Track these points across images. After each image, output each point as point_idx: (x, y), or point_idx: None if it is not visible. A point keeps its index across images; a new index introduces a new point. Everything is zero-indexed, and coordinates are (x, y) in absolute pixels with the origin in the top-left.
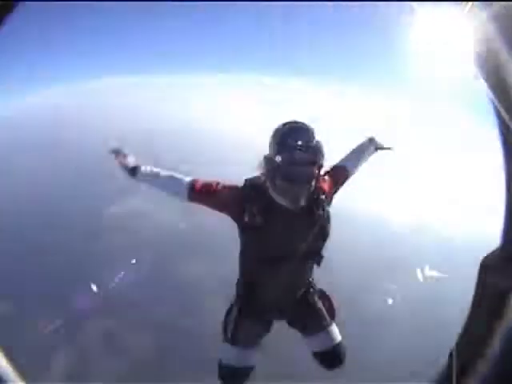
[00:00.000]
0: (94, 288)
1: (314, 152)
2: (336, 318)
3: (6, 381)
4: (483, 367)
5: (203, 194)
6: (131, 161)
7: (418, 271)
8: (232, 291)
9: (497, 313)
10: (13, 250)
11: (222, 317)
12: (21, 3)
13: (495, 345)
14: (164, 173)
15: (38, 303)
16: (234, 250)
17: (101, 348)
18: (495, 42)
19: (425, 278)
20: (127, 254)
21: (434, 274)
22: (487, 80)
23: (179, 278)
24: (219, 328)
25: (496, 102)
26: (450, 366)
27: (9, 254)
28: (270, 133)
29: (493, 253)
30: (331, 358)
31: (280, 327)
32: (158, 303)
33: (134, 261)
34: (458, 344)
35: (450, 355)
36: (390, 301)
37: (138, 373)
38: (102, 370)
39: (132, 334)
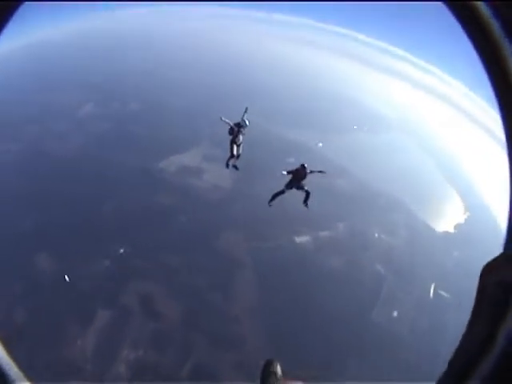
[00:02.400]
0: (67, 278)
1: None
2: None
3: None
4: (485, 368)
5: None
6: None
7: (432, 287)
8: None
9: (499, 313)
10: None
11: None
12: None
13: (498, 345)
14: None
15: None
16: None
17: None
18: None
19: (434, 295)
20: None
21: (443, 293)
22: None
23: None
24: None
25: None
26: (452, 366)
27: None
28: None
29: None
30: None
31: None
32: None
33: None
34: (460, 344)
35: (453, 356)
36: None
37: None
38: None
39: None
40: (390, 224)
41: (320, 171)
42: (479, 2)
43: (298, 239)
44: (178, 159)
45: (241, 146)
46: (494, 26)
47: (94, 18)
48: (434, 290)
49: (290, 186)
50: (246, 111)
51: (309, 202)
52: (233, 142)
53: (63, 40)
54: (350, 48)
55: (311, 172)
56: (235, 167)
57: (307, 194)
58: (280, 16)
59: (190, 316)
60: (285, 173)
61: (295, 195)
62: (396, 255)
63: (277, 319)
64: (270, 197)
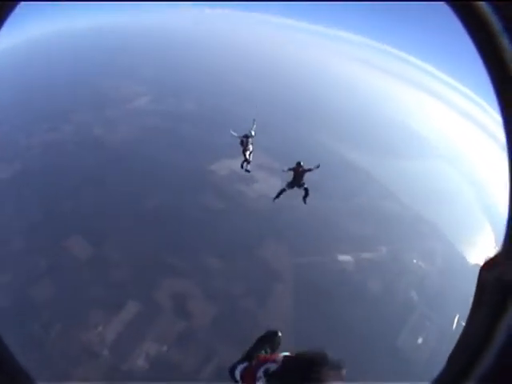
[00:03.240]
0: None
1: None
2: None
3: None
4: (485, 364)
5: None
6: None
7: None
8: None
9: (498, 310)
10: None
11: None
12: None
13: (497, 342)
14: None
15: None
16: None
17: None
18: None
19: (457, 326)
20: None
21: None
22: None
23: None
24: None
25: None
26: (451, 363)
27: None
28: None
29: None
30: None
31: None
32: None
33: None
34: (459, 341)
35: (452, 352)
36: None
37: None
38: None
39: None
40: (429, 251)
41: (317, 166)
42: (481, 2)
43: (341, 257)
44: (230, 164)
45: (252, 153)
46: (498, 26)
47: (162, 13)
48: (458, 321)
49: (291, 184)
50: (253, 123)
51: (307, 200)
52: (244, 150)
53: (129, 31)
54: (404, 71)
55: (309, 170)
56: (247, 171)
57: (306, 191)
58: (343, 33)
59: (220, 321)
60: (285, 169)
61: (343, 215)
62: (429, 283)
63: (305, 335)
64: (319, 216)
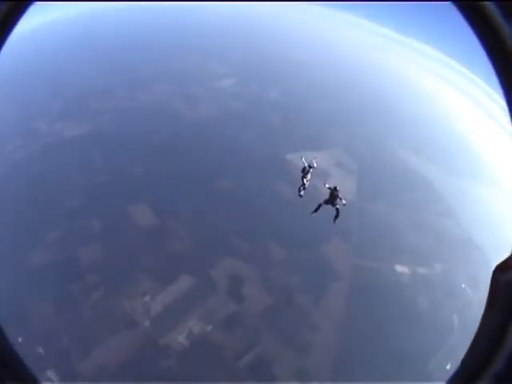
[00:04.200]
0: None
1: None
2: None
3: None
4: (498, 365)
5: None
6: None
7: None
8: None
9: (510, 313)
10: None
11: None
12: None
13: (509, 344)
14: None
15: None
16: None
17: None
18: None
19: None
20: None
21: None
22: None
23: None
24: None
25: None
26: (464, 364)
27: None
28: None
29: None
30: None
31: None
32: None
33: None
34: (473, 343)
35: (466, 354)
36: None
37: None
38: None
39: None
40: (476, 279)
41: (343, 204)
42: (488, 2)
43: (398, 268)
44: (308, 156)
45: (308, 181)
46: (504, 26)
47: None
48: None
49: (326, 201)
50: (315, 158)
51: (336, 221)
52: (303, 177)
53: (220, 12)
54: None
55: (340, 198)
56: (300, 196)
57: (337, 211)
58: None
59: (272, 310)
60: (327, 186)
61: (406, 226)
62: (471, 311)
63: (349, 339)
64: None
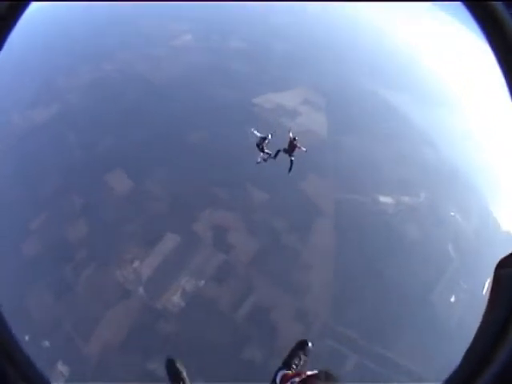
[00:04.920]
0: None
1: None
2: None
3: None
4: (500, 360)
5: None
6: None
7: (487, 283)
8: None
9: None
10: None
11: None
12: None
13: (511, 340)
14: None
15: None
16: None
17: None
18: None
19: (487, 291)
20: None
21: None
22: None
23: None
24: None
25: None
26: (466, 359)
27: None
28: None
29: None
30: None
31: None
32: None
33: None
34: (475, 339)
35: (468, 349)
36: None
37: None
38: None
39: None
40: (465, 206)
41: (304, 150)
42: (497, 2)
43: (382, 199)
44: (275, 97)
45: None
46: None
47: None
48: (488, 286)
49: (285, 150)
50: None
51: (290, 172)
52: (262, 150)
53: None
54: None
55: (299, 148)
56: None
57: (291, 163)
58: None
59: (261, 254)
60: (290, 134)
61: (384, 157)
62: (464, 240)
63: (344, 275)
64: (360, 156)
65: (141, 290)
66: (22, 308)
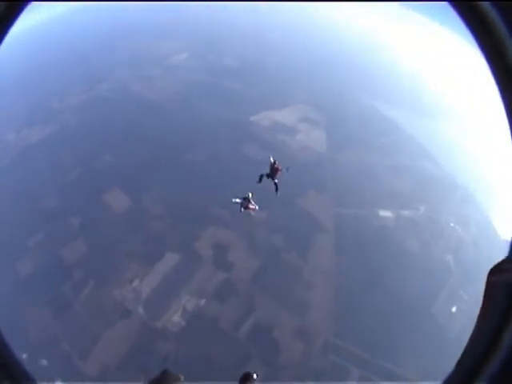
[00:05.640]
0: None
1: None
2: None
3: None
4: (493, 367)
5: None
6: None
7: None
8: None
9: (505, 313)
10: None
11: None
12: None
13: (504, 344)
14: None
15: None
16: None
17: None
18: None
19: None
20: None
21: None
22: None
23: None
24: None
25: None
26: (460, 365)
27: None
28: None
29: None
30: None
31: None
32: None
33: None
34: (469, 344)
35: (461, 355)
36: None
37: None
38: None
39: None
40: (464, 217)
41: (287, 169)
42: (484, 3)
43: (382, 213)
44: (272, 115)
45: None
46: (499, 25)
47: None
48: None
49: (267, 175)
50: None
51: (277, 193)
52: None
53: None
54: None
55: (280, 170)
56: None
57: (275, 185)
58: None
59: (262, 272)
60: (271, 160)
61: (383, 171)
62: (464, 250)
63: (345, 291)
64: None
65: (140, 309)
66: (20, 326)
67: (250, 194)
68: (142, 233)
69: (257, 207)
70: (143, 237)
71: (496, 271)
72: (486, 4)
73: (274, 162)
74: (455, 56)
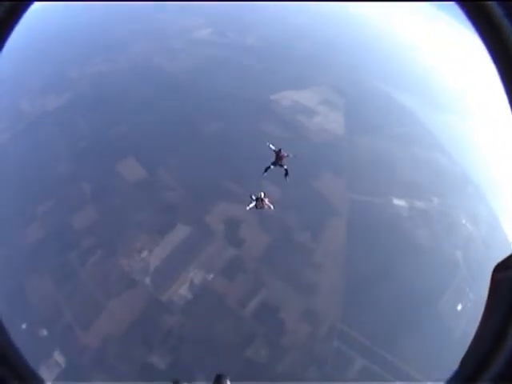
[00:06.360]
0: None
1: None
2: None
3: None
4: (497, 365)
5: None
6: None
7: None
8: None
9: (511, 312)
10: None
11: None
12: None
13: (509, 341)
14: None
15: None
16: None
17: None
18: None
19: None
20: None
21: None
22: None
23: None
24: None
25: None
26: (464, 363)
27: None
28: None
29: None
30: None
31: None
32: None
33: None
34: (473, 341)
35: (466, 353)
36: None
37: None
38: None
39: None
40: (475, 215)
41: (294, 156)
42: (491, 2)
43: (396, 201)
44: (292, 95)
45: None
46: (506, 25)
47: None
48: None
49: (274, 163)
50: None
51: (288, 178)
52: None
53: None
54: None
55: (287, 156)
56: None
57: (286, 171)
58: None
59: (272, 250)
60: (271, 147)
61: (399, 160)
62: (473, 248)
63: (354, 277)
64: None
65: (148, 280)
66: (21, 294)
67: (263, 194)
68: (153, 203)
69: (272, 207)
70: (155, 207)
71: (501, 268)
72: (493, 4)
73: (279, 150)
74: (477, 57)
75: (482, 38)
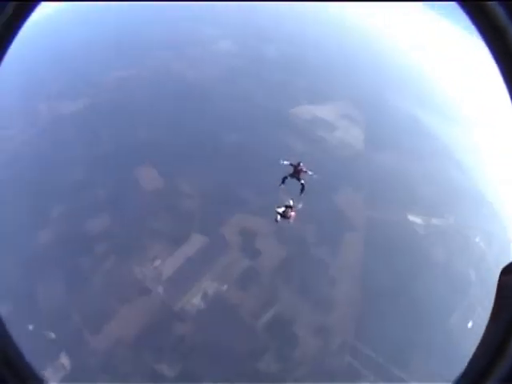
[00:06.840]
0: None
1: None
2: None
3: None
4: (505, 367)
5: None
6: None
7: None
8: None
9: None
10: None
11: None
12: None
13: None
14: None
15: None
16: None
17: None
18: None
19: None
20: None
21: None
22: None
23: None
24: None
25: None
26: (470, 366)
27: None
28: None
29: None
30: None
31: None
32: None
33: None
34: (480, 344)
35: (474, 354)
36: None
37: None
38: None
39: None
40: (489, 234)
41: (310, 174)
42: (492, 2)
43: (412, 218)
44: (312, 110)
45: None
46: (508, 25)
47: None
48: None
49: (291, 175)
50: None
51: (302, 194)
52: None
53: None
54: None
55: (305, 172)
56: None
57: (302, 186)
58: None
59: (288, 263)
60: (285, 163)
61: (417, 177)
62: (485, 268)
63: (369, 293)
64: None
65: (160, 289)
66: (33, 297)
67: (291, 202)
68: (169, 212)
69: (294, 217)
70: (171, 216)
71: (508, 271)
72: (494, 4)
73: (298, 164)
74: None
75: (484, 38)
